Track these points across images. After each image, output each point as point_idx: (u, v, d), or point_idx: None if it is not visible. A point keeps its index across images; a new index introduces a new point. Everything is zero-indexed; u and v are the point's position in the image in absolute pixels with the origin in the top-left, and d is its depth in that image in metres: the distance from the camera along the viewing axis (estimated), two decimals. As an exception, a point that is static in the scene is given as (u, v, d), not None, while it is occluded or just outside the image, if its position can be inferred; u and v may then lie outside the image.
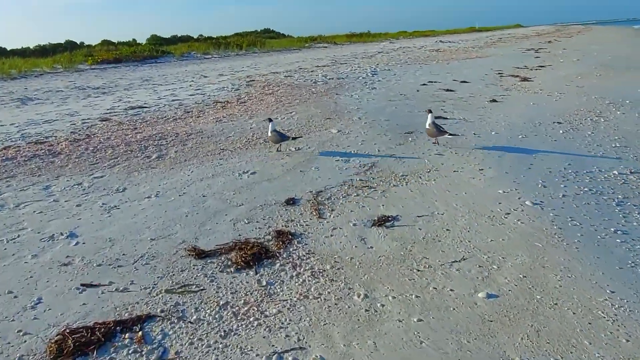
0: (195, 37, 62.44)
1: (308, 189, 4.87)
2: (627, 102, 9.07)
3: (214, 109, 9.30)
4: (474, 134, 6.82)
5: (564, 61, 17.25)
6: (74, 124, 8.21)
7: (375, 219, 4.13)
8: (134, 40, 46.86)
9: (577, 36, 39.06)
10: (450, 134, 5.97)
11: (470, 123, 7.51)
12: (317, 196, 4.67)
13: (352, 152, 6.05)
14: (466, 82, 12.69)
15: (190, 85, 13.77)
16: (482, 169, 5.26)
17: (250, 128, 7.45)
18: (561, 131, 6.94)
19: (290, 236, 3.85)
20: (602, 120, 7.50)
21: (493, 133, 6.86)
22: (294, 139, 6.20)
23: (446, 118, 7.90)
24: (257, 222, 4.14)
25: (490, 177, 4.99)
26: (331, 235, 3.84)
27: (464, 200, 4.40)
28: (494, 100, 9.66)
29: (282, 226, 4.03)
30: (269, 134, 6.08)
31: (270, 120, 6.12)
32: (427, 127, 6.06)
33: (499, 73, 14.45)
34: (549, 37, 37.97)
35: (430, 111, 6.07)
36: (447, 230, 3.83)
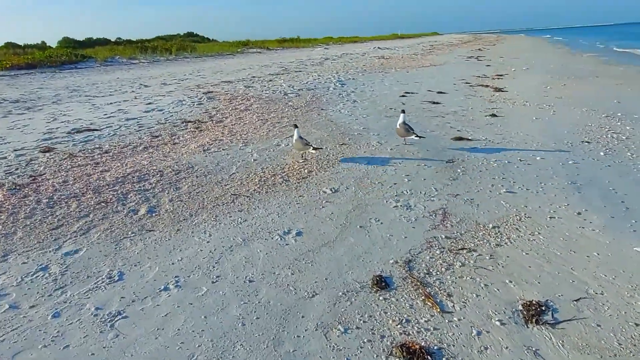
0: (113, 40, 57.64)
1: (389, 257, 3.52)
2: (619, 114, 8.71)
3: (188, 131, 7.53)
4: (520, 160, 5.83)
5: (516, 70, 17.28)
6: (5, 158, 6.07)
7: (520, 308, 2.91)
8: (43, 42, 41.82)
9: (499, 44, 41.00)
10: (418, 136, 6.13)
11: (500, 145, 6.55)
12: (411, 270, 3.34)
13: (405, 192, 4.76)
14: (443, 92, 11.94)
15: (136, 98, 11.66)
16: (579, 213, 4.23)
17: (254, 160, 5.87)
18: (602, 153, 6.19)
19: (427, 357, 2.50)
20: (624, 138, 6.88)
21: (538, 158, 5.92)
22: (315, 149, 5.63)
23: (469, 139, 6.89)
24: (357, 327, 2.74)
25: (603, 226, 3.96)
26: (485, 349, 2.54)
27: (608, 268, 3.31)
28: (494, 115, 8.88)
29: (401, 334, 2.66)
30: (294, 141, 5.66)
31: (295, 126, 5.72)
32: (398, 126, 6.23)
33: (467, 83, 13.93)
34: (475, 45, 39.40)
35: (403, 111, 6.26)
36: (651, 329, 2.68)
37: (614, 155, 5.99)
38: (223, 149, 6.33)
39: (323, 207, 4.43)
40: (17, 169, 5.56)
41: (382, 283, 3.19)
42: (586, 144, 6.72)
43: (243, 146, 6.47)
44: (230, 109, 9.48)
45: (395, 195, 4.68)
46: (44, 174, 5.34)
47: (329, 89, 12.56)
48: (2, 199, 4.56)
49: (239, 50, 41.21)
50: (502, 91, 12.11)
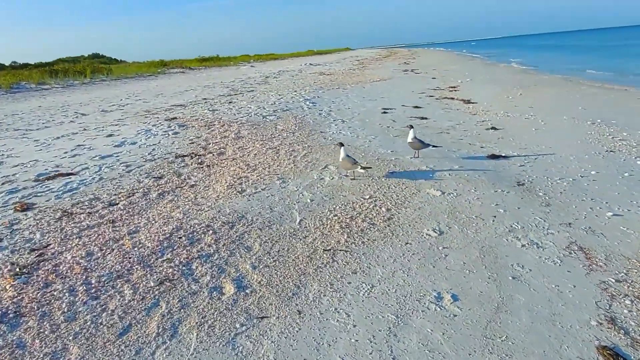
0: (7, 64, 51.80)
1: (583, 316, 2.86)
2: (598, 121, 8.99)
3: (195, 168, 6.27)
4: (580, 175, 5.50)
5: (462, 81, 17.78)
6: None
7: None
8: None
9: (418, 58, 42.90)
10: (434, 146, 6.43)
11: (537, 160, 6.24)
12: (628, 333, 2.69)
13: (514, 226, 4.13)
14: (419, 107, 11.69)
15: (85, 130, 9.90)
16: None
17: (311, 200, 4.87)
18: (639, 162, 6.11)
19: None
20: (635, 144, 6.94)
21: (593, 172, 5.64)
22: (363, 168, 5.34)
23: (504, 156, 6.51)
24: None
25: None
26: None
27: None
28: (494, 128, 8.69)
29: None
30: (341, 160, 5.45)
31: (341, 145, 5.54)
32: (410, 140, 6.24)
33: (430, 96, 13.90)
34: (397, 59, 40.81)
35: (411, 127, 6.30)
36: None
37: None
38: (261, 189, 5.23)
39: (446, 255, 3.63)
40: (2, 242, 4.03)
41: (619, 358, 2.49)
42: (612, 153, 6.64)
43: (282, 183, 5.41)
44: (219, 137, 8.26)
45: (509, 232, 4.02)
46: (49, 244, 3.90)
47: (303, 109, 11.72)
48: (16, 294, 3.13)
49: (159, 70, 38.68)
50: (472, 103, 12.16)
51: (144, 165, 6.48)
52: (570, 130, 8.33)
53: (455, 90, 15.07)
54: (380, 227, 4.16)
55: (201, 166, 6.32)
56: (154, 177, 5.85)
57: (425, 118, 10.06)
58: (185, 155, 6.95)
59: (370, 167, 5.70)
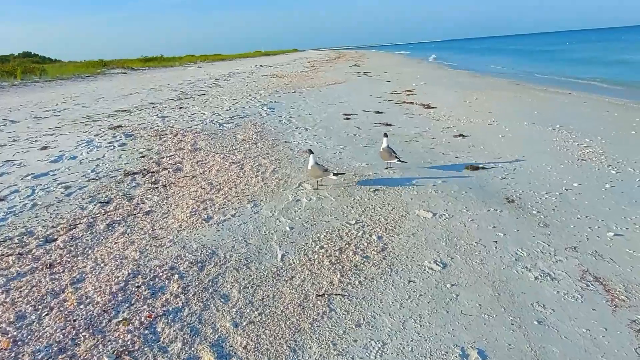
0: None
1: (633, 372, 2.46)
2: (557, 126, 9.05)
3: (148, 189, 5.42)
4: (565, 189, 5.28)
5: (417, 85, 17.74)
6: None
7: None
8: None
9: (367, 60, 43.12)
10: (400, 160, 5.78)
11: (516, 171, 6.00)
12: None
13: (519, 253, 3.74)
14: (380, 112, 11.37)
15: (15, 140, 8.66)
16: None
17: (291, 229, 4.24)
18: (613, 171, 6.01)
19: None
20: (601, 151, 6.91)
21: (576, 185, 5.44)
22: (336, 174, 5.06)
23: (484, 168, 6.22)
24: None
25: None
26: None
27: None
28: (462, 135, 8.47)
29: None
30: (309, 168, 5.06)
31: (310, 152, 5.15)
32: (381, 150, 5.91)
33: (388, 100, 13.64)
34: (347, 61, 40.76)
35: (386, 135, 5.94)
36: None
37: (626, 173, 5.82)
38: (231, 215, 4.53)
39: (457, 296, 3.15)
40: None
41: None
42: (584, 162, 6.54)
43: (254, 207, 4.73)
44: (173, 149, 7.41)
45: (516, 261, 3.62)
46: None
47: (262, 115, 11.03)
48: None
49: (98, 71, 36.26)
50: (432, 107, 11.99)
51: (87, 186, 5.55)
52: (536, 136, 8.25)
53: (412, 94, 14.92)
54: (375, 260, 3.62)
55: (156, 186, 5.50)
56: (100, 202, 4.98)
57: (390, 124, 9.70)
58: (135, 173, 6.08)
59: (344, 174, 5.48)
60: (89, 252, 3.79)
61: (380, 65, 33.10)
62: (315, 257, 3.67)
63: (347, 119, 10.52)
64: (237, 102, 13.28)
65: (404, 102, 13.26)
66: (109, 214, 4.63)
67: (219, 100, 14.10)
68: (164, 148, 7.49)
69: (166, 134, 8.64)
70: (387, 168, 6.14)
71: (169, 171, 6.13)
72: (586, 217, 4.46)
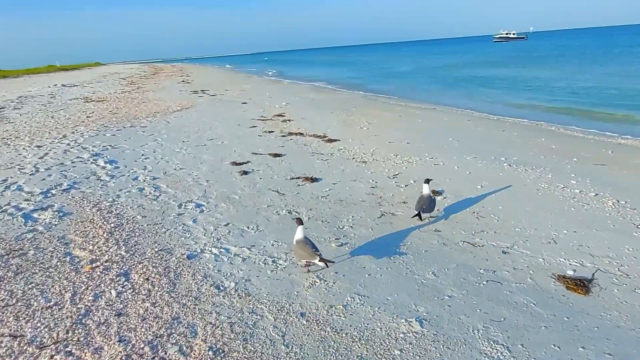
0: None
1: None
2: (503, 159, 7.40)
3: None
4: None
5: (279, 106, 14.83)
6: None
7: None
8: None
9: (192, 74, 38.29)
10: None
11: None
12: None
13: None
14: (279, 154, 8.09)
15: None
16: None
17: None
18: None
19: None
20: (562, 186, 5.18)
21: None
22: (323, 260, 3.51)
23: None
24: None
25: None
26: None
27: None
28: (434, 193, 5.86)
29: None
30: (295, 243, 3.66)
31: (301, 222, 3.71)
32: (424, 194, 4.58)
33: (270, 131, 10.40)
34: (171, 77, 35.36)
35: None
36: None
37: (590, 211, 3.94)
38: None
39: None
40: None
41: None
42: (573, 207, 4.59)
43: None
44: None
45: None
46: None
47: (101, 178, 6.53)
48: None
49: None
50: (334, 140, 9.21)
51: None
52: (493, 174, 6.41)
53: (288, 120, 11.92)
54: None
55: None
56: None
57: (315, 179, 6.50)
58: None
59: (334, 262, 3.85)
60: None
61: (212, 81, 29.08)
62: None
63: (245, 173, 6.90)
64: (46, 153, 8.14)
65: (292, 133, 10.16)
66: None
67: (10, 148, 8.60)
68: None
69: None
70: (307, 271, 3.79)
71: None
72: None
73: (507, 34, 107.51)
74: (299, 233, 3.69)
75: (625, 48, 44.19)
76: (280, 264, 3.83)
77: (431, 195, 4.65)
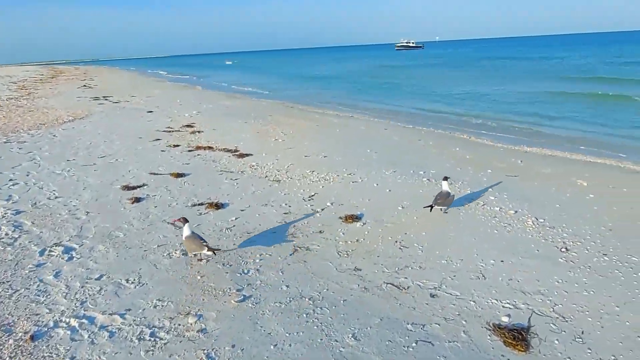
0: None
1: None
2: (422, 172, 7.20)
3: None
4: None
5: (190, 115, 13.65)
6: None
7: None
8: None
9: (99, 78, 34.96)
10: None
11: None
12: None
13: None
14: (182, 174, 7.14)
15: None
16: None
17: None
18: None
19: None
20: (523, 219, 5.08)
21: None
22: (210, 249, 3.94)
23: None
24: None
25: None
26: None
27: None
28: (354, 218, 5.35)
29: None
30: (184, 239, 4.00)
31: (186, 220, 4.04)
32: (444, 191, 5.05)
33: (176, 145, 9.33)
34: (72, 81, 31.91)
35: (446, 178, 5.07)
36: None
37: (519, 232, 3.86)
38: None
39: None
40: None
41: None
42: (543, 243, 4.42)
43: None
44: None
45: None
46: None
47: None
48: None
49: None
50: (246, 155, 8.42)
51: None
52: (413, 191, 6.15)
53: (197, 132, 10.88)
54: None
55: None
56: None
57: (221, 205, 5.68)
58: None
59: (220, 249, 4.19)
60: None
61: (118, 86, 26.60)
62: None
63: (137, 200, 5.86)
64: None
65: (200, 147, 9.17)
66: None
67: None
68: None
69: None
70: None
71: None
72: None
73: (407, 42, 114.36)
74: (186, 230, 4.03)
75: (497, 60, 45.14)
76: (160, 338, 2.96)
77: (449, 192, 5.08)
